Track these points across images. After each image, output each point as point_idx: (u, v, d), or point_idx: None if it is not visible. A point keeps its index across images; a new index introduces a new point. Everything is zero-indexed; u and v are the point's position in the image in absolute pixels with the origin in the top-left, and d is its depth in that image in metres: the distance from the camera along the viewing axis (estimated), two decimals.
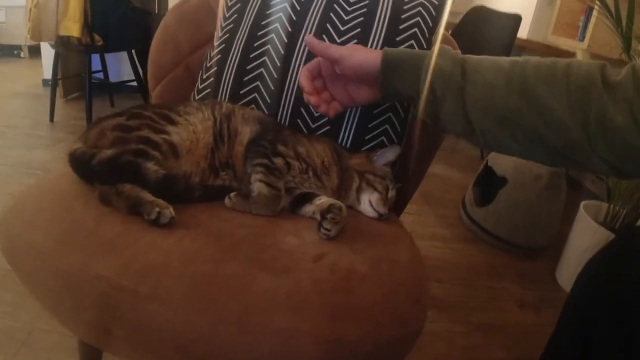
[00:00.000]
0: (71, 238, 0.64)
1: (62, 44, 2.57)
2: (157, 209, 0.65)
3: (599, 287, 0.73)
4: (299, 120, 0.94)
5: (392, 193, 0.85)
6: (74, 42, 2.49)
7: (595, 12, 2.52)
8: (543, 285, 1.79)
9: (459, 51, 0.70)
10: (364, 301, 0.60)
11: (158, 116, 0.79)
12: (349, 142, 0.94)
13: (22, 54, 4.64)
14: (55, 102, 2.81)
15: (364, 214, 0.84)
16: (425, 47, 0.93)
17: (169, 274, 0.60)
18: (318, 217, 0.73)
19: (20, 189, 0.79)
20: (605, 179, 1.88)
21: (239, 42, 0.98)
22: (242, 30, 0.99)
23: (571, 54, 2.88)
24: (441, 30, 0.95)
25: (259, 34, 0.97)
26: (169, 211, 0.66)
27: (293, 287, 0.59)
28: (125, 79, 3.28)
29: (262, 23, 0.97)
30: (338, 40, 0.93)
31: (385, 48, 0.72)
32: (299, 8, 0.96)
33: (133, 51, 3.03)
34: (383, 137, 0.93)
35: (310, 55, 0.93)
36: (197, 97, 1.03)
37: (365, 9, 0.94)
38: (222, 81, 0.98)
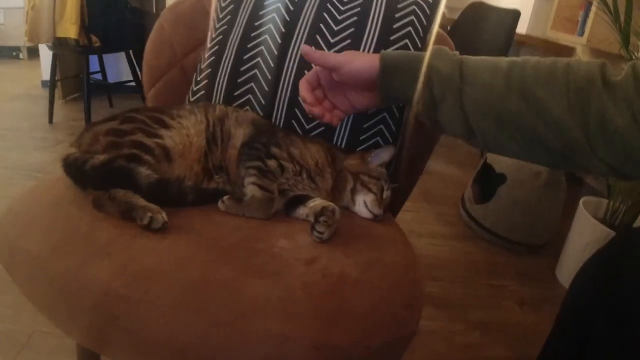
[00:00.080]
0: (65, 244, 0.65)
1: (60, 46, 2.57)
2: (149, 214, 0.65)
3: (596, 288, 0.72)
4: (293, 122, 0.94)
5: (387, 194, 0.85)
6: (72, 43, 2.49)
7: (594, 8, 2.51)
8: (543, 282, 1.78)
9: (456, 52, 0.70)
10: (355, 306, 0.60)
11: (151, 120, 0.79)
12: (344, 142, 0.93)
13: (21, 55, 4.65)
14: (54, 104, 2.82)
15: (359, 215, 0.84)
16: (420, 46, 0.93)
17: (162, 279, 0.60)
18: (311, 219, 0.73)
19: (20, 192, 0.79)
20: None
21: (233, 43, 0.98)
22: (235, 32, 0.98)
23: (570, 49, 2.87)
24: (435, 31, 0.94)
25: (252, 35, 0.97)
26: (162, 216, 0.66)
27: (284, 292, 0.59)
28: (124, 79, 3.29)
29: (256, 24, 0.97)
30: (332, 41, 0.93)
31: (383, 51, 0.72)
32: (292, 9, 0.96)
33: (131, 51, 3.04)
34: (378, 138, 0.93)
35: (303, 58, 0.92)
36: (191, 99, 1.03)
37: (358, 9, 0.94)
38: (216, 83, 0.98)
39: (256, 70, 0.95)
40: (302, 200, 0.78)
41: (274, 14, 0.96)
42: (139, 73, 2.99)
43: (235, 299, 0.58)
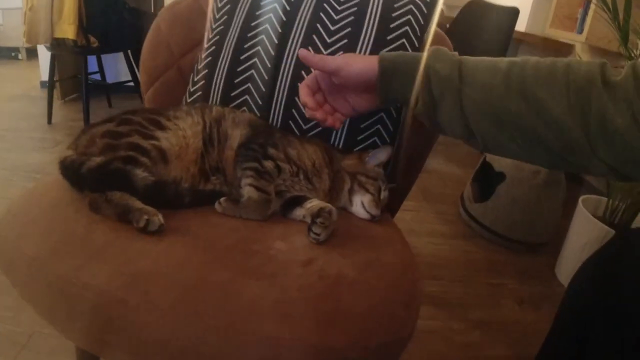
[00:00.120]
0: (62, 247, 0.65)
1: (58, 47, 2.57)
2: (145, 217, 0.65)
3: (595, 289, 0.72)
4: (290, 122, 0.94)
5: (384, 194, 0.85)
6: (70, 44, 2.49)
7: (593, 6, 2.50)
8: (542, 281, 1.78)
9: (455, 53, 0.69)
10: (352, 307, 0.60)
11: (148, 122, 0.79)
12: (342, 142, 0.93)
13: (19, 56, 4.65)
14: (53, 104, 2.81)
15: (357, 215, 0.84)
16: (417, 45, 0.92)
17: (159, 281, 0.60)
18: (308, 220, 0.72)
19: (19, 193, 0.79)
20: None
21: (229, 43, 0.98)
22: (232, 32, 0.98)
23: (569, 47, 2.87)
24: (432, 30, 0.94)
25: (249, 35, 0.97)
26: (158, 218, 0.66)
27: (281, 294, 0.59)
28: (123, 79, 3.28)
29: (252, 24, 0.97)
30: (328, 41, 0.92)
31: (381, 53, 0.71)
32: (288, 8, 0.95)
33: (129, 51, 3.03)
34: (375, 138, 0.93)
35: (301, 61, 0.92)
36: (189, 100, 1.03)
37: (355, 8, 0.94)
38: (213, 84, 0.98)
39: (253, 71, 0.95)
40: (299, 201, 0.77)
41: (271, 14, 0.96)
42: (137, 73, 2.98)
43: (231, 301, 0.58)
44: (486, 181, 2.06)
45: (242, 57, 0.96)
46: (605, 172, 0.59)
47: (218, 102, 0.97)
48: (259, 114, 0.95)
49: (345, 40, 0.92)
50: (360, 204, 0.82)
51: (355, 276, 0.65)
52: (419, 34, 0.92)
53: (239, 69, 0.96)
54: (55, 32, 2.41)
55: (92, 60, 3.05)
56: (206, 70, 1.00)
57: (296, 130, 0.94)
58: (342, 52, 0.92)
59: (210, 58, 1.00)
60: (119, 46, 2.94)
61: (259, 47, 0.95)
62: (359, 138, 0.92)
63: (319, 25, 0.93)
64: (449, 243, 1.97)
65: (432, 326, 1.44)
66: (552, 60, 0.61)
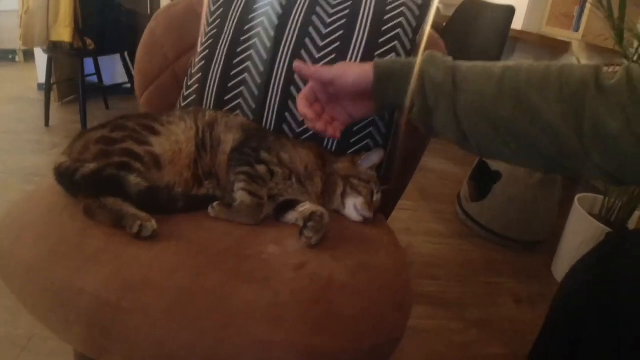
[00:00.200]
0: (57, 253, 0.65)
1: (55, 49, 2.57)
2: (139, 223, 0.66)
3: (590, 288, 0.72)
4: (284, 125, 0.94)
5: (377, 197, 0.85)
6: (66, 46, 2.48)
7: (587, 7, 2.51)
8: (539, 279, 1.79)
9: (449, 57, 0.69)
10: (343, 310, 0.61)
11: (141, 127, 0.80)
12: (334, 145, 0.94)
13: (17, 58, 4.64)
14: (50, 106, 2.81)
15: (350, 218, 0.84)
16: (409, 48, 0.93)
17: (151, 287, 0.60)
18: (301, 224, 0.73)
19: (16, 195, 0.80)
20: None
21: (222, 48, 0.98)
22: (225, 36, 0.99)
23: (566, 44, 2.87)
24: (427, 33, 0.94)
25: (242, 39, 0.97)
26: (151, 224, 0.66)
27: (273, 298, 0.60)
28: (120, 81, 3.28)
29: (245, 28, 0.97)
30: (320, 44, 0.93)
31: (376, 60, 0.72)
32: (280, 12, 0.96)
33: (126, 53, 3.03)
34: (368, 140, 0.93)
35: (293, 61, 0.92)
36: (183, 104, 1.03)
37: (347, 11, 0.94)
38: (207, 87, 0.98)
39: (246, 75, 0.96)
40: (291, 205, 0.78)
41: (263, 18, 0.96)
42: (134, 75, 2.98)
43: (223, 305, 0.58)
44: (483, 180, 2.06)
45: (235, 61, 0.97)
46: (599, 176, 0.59)
47: (212, 106, 0.98)
48: (252, 118, 0.95)
49: (338, 44, 0.92)
50: (353, 207, 0.83)
51: (346, 279, 0.65)
52: (410, 36, 0.93)
53: (232, 73, 0.96)
54: (51, 35, 2.41)
55: (88, 63, 3.04)
56: (200, 74, 1.00)
57: (289, 133, 0.94)
58: (334, 55, 0.92)
59: (203, 62, 1.00)
60: (116, 48, 2.94)
61: (251, 51, 0.96)
62: (351, 141, 0.93)
63: (311, 29, 0.94)
64: (446, 242, 1.98)
65: (429, 325, 1.44)
66: (546, 65, 0.61)
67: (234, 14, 0.99)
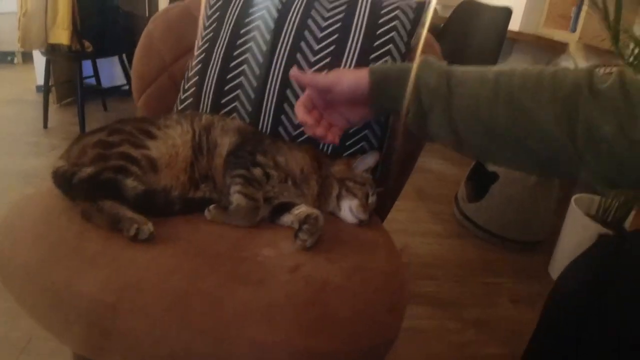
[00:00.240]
0: (55, 255, 0.66)
1: (53, 51, 2.57)
2: (135, 226, 0.66)
3: (588, 289, 0.73)
4: (280, 128, 0.95)
5: (372, 199, 0.86)
6: (64, 49, 2.49)
7: (584, 8, 2.51)
8: (537, 279, 1.80)
9: (444, 62, 0.70)
10: (337, 312, 0.61)
11: (138, 131, 0.80)
12: (330, 148, 0.94)
13: (15, 60, 4.64)
14: (49, 108, 2.81)
15: (345, 220, 0.85)
16: (403, 51, 0.93)
17: (148, 289, 0.61)
18: (296, 226, 0.74)
19: (16, 197, 0.81)
20: None
21: (219, 51, 0.99)
22: (221, 39, 0.99)
23: (563, 45, 2.88)
24: (421, 42, 0.95)
25: (238, 42, 0.98)
26: (148, 227, 0.67)
27: (268, 300, 0.60)
28: (118, 83, 3.29)
29: (241, 32, 0.98)
30: (315, 48, 0.93)
31: (371, 66, 0.72)
32: (276, 16, 0.97)
33: (124, 55, 3.03)
34: (364, 143, 0.94)
35: (289, 64, 0.93)
36: (180, 107, 1.04)
37: (342, 15, 0.95)
38: (204, 90, 0.99)
39: (242, 78, 0.96)
40: (287, 207, 0.79)
41: (259, 21, 0.97)
42: (131, 78, 2.99)
43: (219, 308, 0.59)
44: (480, 181, 2.07)
45: (231, 65, 0.97)
46: (594, 180, 0.59)
47: (208, 109, 0.98)
48: (248, 121, 0.96)
49: (333, 47, 0.93)
50: (349, 209, 0.84)
51: (341, 281, 0.66)
52: (405, 39, 0.93)
53: (228, 76, 0.97)
54: (49, 37, 2.42)
55: (87, 65, 3.05)
56: (197, 78, 1.01)
57: (285, 136, 0.95)
58: (330, 58, 0.93)
59: (200, 65, 1.01)
60: (114, 50, 2.95)
61: (248, 55, 0.97)
62: (347, 143, 0.93)
63: (307, 33, 0.94)
64: (444, 243, 1.98)
65: (427, 326, 1.44)
66: (540, 69, 0.62)
67: (231, 18, 1.00)
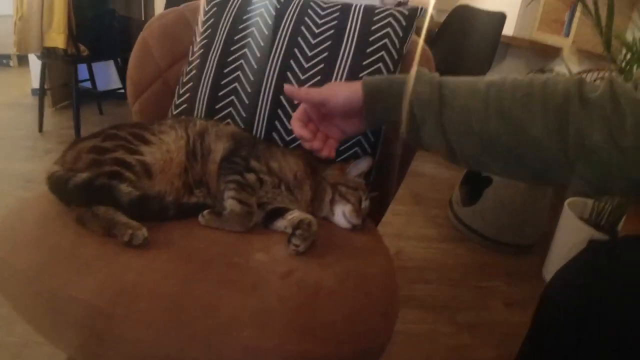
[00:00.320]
0: (50, 261, 0.66)
1: (48, 55, 2.57)
2: (130, 231, 0.67)
3: (579, 295, 0.73)
4: (274, 133, 0.96)
5: (365, 204, 0.87)
6: (60, 52, 2.49)
7: (577, 13, 2.53)
8: (530, 283, 1.80)
9: (436, 74, 0.71)
10: (329, 317, 0.62)
11: (132, 136, 0.81)
12: None
13: (11, 63, 4.63)
14: (44, 112, 2.81)
15: (338, 225, 0.86)
16: (396, 57, 0.95)
17: (143, 294, 0.61)
18: (289, 231, 0.74)
19: (10, 202, 0.81)
20: None
21: (214, 57, 1.00)
22: (216, 45, 1.00)
23: (557, 50, 2.90)
24: (417, 56, 0.96)
25: (232, 49, 0.98)
26: (142, 232, 0.68)
27: (260, 305, 0.61)
28: (114, 86, 3.29)
29: (236, 38, 0.99)
30: (309, 54, 0.94)
31: (364, 79, 0.73)
32: (270, 22, 0.98)
33: (120, 59, 3.04)
34: (357, 148, 0.95)
35: (283, 70, 0.94)
36: (174, 112, 1.04)
37: (335, 22, 0.96)
38: (198, 96, 1.00)
39: (237, 84, 0.97)
40: (280, 212, 0.79)
41: (253, 28, 0.98)
42: (127, 83, 2.99)
43: (213, 312, 0.60)
44: (474, 185, 2.08)
45: (226, 70, 0.98)
46: (585, 188, 0.60)
47: (203, 114, 0.99)
48: (243, 126, 0.97)
49: (326, 54, 0.94)
50: (342, 214, 0.84)
51: (333, 286, 0.67)
52: (397, 46, 0.94)
53: (223, 82, 0.98)
54: (45, 41, 2.42)
55: (82, 68, 3.05)
56: (191, 83, 1.01)
57: (279, 141, 0.96)
58: (323, 65, 0.94)
59: (195, 71, 1.01)
60: (109, 54, 2.95)
61: (242, 61, 0.97)
62: (340, 148, 0.94)
63: (300, 39, 0.95)
64: (438, 247, 1.99)
65: (421, 329, 1.45)
66: (530, 79, 0.62)
67: (225, 24, 1.01)
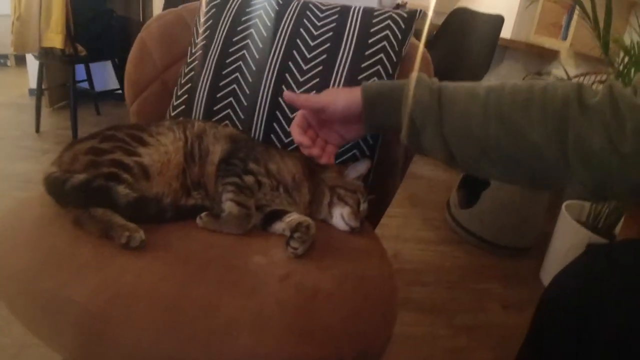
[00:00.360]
0: (47, 263, 0.66)
1: (46, 55, 2.57)
2: (127, 233, 0.66)
3: (578, 299, 0.73)
4: (272, 135, 0.96)
5: (364, 206, 0.87)
6: (58, 53, 2.49)
7: (575, 16, 2.55)
8: (527, 285, 1.81)
9: (435, 79, 0.71)
10: (327, 320, 0.62)
11: (130, 138, 0.80)
12: None
13: (8, 63, 4.61)
14: (42, 112, 2.80)
15: (337, 227, 0.86)
16: (394, 60, 0.95)
17: (140, 297, 0.61)
18: (288, 234, 0.74)
19: (8, 203, 0.80)
20: None
21: (212, 58, 0.99)
22: (214, 47, 1.00)
23: (555, 53, 2.91)
24: (417, 61, 0.96)
25: (230, 50, 0.98)
26: (139, 235, 0.67)
27: (258, 308, 0.60)
28: (112, 87, 3.28)
29: (234, 39, 0.99)
30: (308, 56, 0.94)
31: (364, 85, 0.73)
32: (269, 24, 0.97)
33: (118, 60, 3.03)
34: (355, 151, 0.94)
35: (281, 72, 0.94)
36: (172, 114, 1.04)
37: (334, 24, 0.96)
38: (196, 98, 1.00)
39: (235, 85, 0.97)
40: (279, 215, 0.79)
41: (252, 30, 0.98)
42: (124, 84, 2.99)
43: (210, 315, 0.59)
44: (471, 187, 2.09)
45: (224, 72, 0.98)
46: (584, 192, 0.60)
47: (201, 116, 0.99)
48: (241, 128, 0.96)
49: (325, 56, 0.94)
50: (340, 217, 0.84)
51: (332, 288, 0.66)
52: (396, 48, 0.94)
53: (221, 84, 0.98)
54: (43, 41, 2.41)
55: (80, 68, 3.04)
56: (189, 85, 1.01)
57: (277, 143, 0.95)
58: (321, 67, 0.94)
59: (193, 72, 1.01)
60: (107, 55, 2.95)
61: (240, 62, 0.97)
62: (339, 151, 0.94)
63: (299, 41, 0.95)
64: (436, 249, 1.99)
65: (418, 332, 1.45)
66: (529, 84, 0.62)
67: (224, 25, 1.00)
